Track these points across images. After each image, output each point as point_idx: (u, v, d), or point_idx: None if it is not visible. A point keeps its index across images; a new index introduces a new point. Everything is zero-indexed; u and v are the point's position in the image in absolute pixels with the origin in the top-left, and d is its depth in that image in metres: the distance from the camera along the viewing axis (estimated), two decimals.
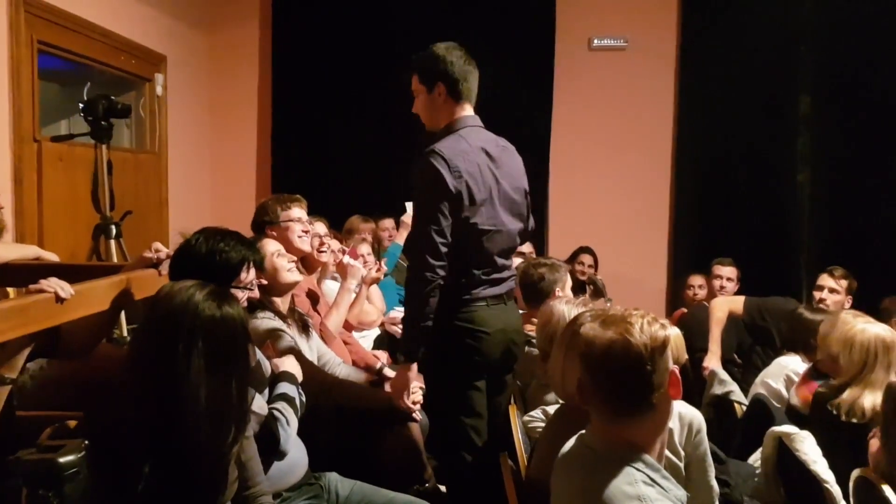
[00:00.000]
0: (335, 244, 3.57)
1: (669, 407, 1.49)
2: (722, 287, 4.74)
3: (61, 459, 1.29)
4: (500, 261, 2.51)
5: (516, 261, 3.20)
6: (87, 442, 1.36)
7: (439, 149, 2.36)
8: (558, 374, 2.00)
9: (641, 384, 1.43)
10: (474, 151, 2.41)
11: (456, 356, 2.46)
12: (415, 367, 2.45)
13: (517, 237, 2.59)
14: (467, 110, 2.51)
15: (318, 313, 3.19)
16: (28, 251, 2.30)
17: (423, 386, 2.59)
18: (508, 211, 2.52)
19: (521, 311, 3.30)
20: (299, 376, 2.31)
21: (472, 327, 2.43)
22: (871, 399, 2.47)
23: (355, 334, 3.55)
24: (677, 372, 1.48)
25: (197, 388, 1.46)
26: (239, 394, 1.57)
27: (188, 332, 1.50)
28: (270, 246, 2.72)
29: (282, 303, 2.71)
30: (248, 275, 2.05)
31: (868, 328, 2.63)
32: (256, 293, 2.12)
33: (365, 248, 3.97)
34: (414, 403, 2.64)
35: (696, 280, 5.09)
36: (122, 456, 1.35)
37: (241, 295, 2.01)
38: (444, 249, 2.32)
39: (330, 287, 3.57)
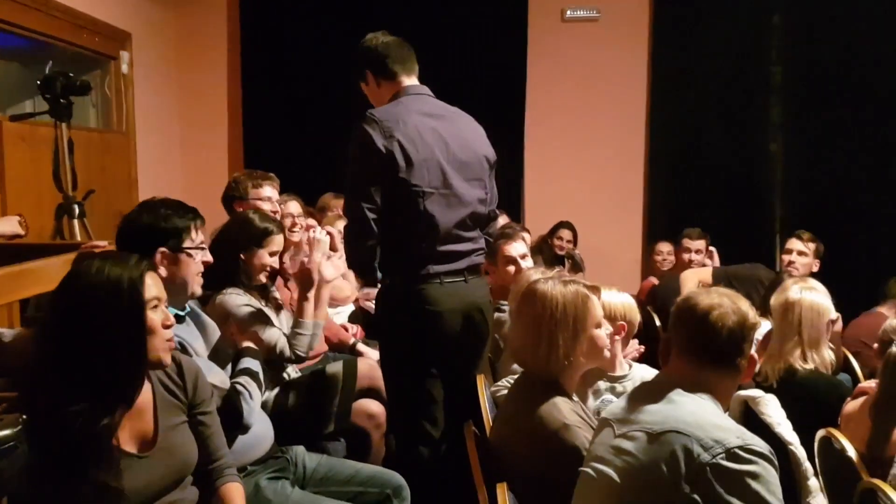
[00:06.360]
0: (313, 224, 3.53)
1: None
2: (694, 258, 4.71)
3: None
4: (455, 231, 2.38)
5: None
6: (24, 416, 1.33)
7: (372, 112, 2.36)
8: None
9: None
10: (411, 114, 2.36)
11: (404, 338, 2.38)
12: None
13: (477, 204, 2.46)
14: (406, 81, 2.48)
15: (289, 290, 3.17)
16: None
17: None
18: (460, 173, 2.41)
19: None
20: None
21: (422, 307, 2.33)
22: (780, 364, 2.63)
23: (329, 310, 3.53)
24: None
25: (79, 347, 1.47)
26: (132, 341, 1.54)
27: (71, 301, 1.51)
28: None
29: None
30: (197, 236, 2.06)
31: (804, 294, 2.69)
32: (209, 256, 2.11)
33: (341, 224, 3.93)
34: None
35: (664, 247, 5.09)
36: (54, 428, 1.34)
37: (197, 256, 2.05)
38: (372, 216, 2.31)
39: None
